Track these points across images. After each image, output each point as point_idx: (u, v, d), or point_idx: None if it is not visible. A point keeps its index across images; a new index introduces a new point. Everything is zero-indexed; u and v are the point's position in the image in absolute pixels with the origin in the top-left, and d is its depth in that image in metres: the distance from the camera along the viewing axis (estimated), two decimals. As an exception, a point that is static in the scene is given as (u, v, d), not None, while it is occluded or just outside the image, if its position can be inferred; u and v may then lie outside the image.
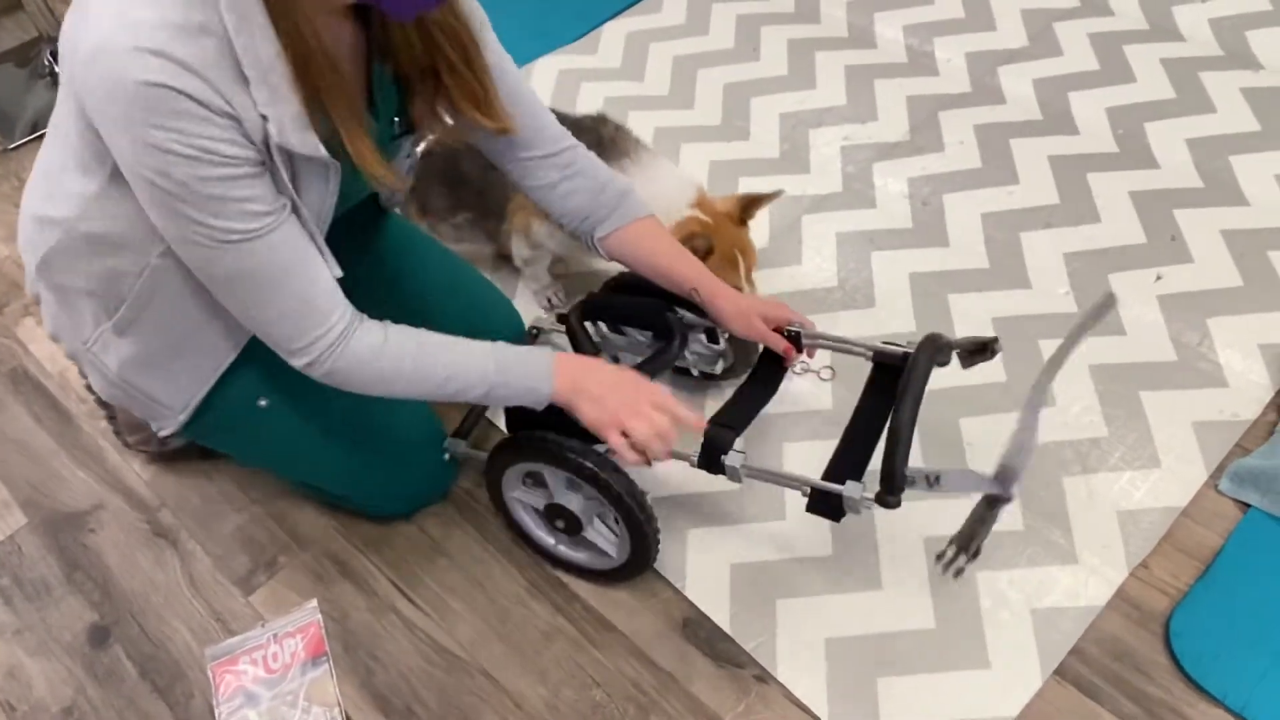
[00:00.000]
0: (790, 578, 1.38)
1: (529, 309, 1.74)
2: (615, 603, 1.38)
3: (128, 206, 1.02)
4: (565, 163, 1.30)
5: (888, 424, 1.16)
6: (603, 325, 1.57)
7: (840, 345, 1.37)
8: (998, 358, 1.51)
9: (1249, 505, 1.41)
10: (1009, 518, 1.42)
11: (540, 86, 2.27)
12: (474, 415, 1.51)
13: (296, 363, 1.08)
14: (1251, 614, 1.30)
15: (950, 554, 1.15)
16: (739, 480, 1.24)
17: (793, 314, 1.38)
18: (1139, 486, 1.44)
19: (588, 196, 1.32)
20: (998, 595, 1.34)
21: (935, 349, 1.20)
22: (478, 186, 1.66)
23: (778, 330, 1.37)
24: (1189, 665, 1.26)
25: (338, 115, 0.99)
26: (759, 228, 1.88)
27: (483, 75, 1.14)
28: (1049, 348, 1.63)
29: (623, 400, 1.15)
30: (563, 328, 1.59)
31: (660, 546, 1.32)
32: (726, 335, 1.50)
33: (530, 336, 1.64)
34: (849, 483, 1.16)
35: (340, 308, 1.07)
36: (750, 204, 1.59)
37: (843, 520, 1.21)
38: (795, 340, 1.38)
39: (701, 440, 1.22)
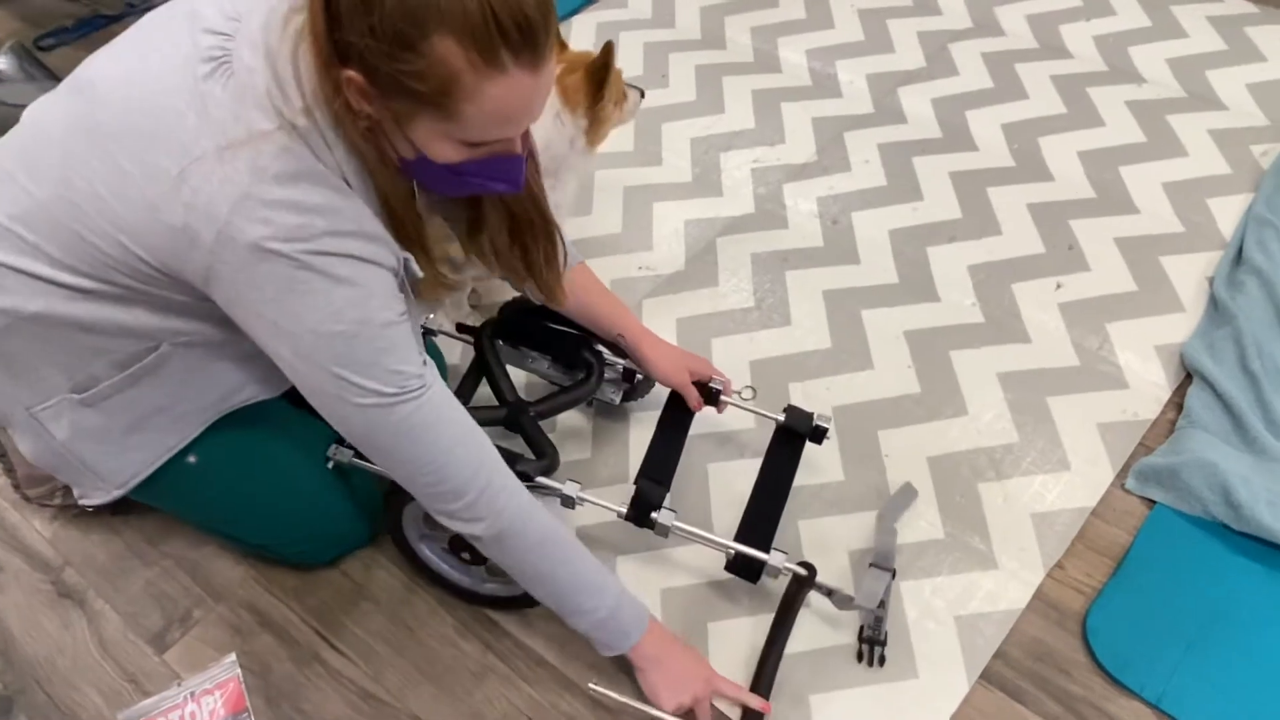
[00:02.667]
0: (720, 600, 1.38)
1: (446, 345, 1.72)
2: (547, 637, 1.36)
3: (153, 310, 1.04)
4: None
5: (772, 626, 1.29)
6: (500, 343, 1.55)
7: (751, 409, 1.46)
8: (911, 369, 1.56)
9: (1155, 502, 1.47)
10: (930, 528, 1.45)
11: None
12: None
13: (470, 524, 1.08)
14: (1163, 607, 1.35)
15: (867, 651, 1.29)
16: (666, 535, 1.26)
17: (714, 371, 1.45)
18: (1051, 489, 1.49)
19: None
20: (923, 605, 1.36)
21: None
22: None
23: (697, 383, 1.43)
24: (1106, 661, 1.30)
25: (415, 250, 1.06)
26: (670, 234, 1.90)
27: (554, 260, 1.25)
28: (960, 358, 1.68)
29: (690, 680, 1.21)
30: (453, 333, 1.56)
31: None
32: (640, 375, 1.53)
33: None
34: (774, 552, 1.25)
35: (489, 445, 1.11)
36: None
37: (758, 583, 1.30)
38: (712, 397, 1.45)
39: (632, 495, 1.29)
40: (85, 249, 0.98)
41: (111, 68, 0.99)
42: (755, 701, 1.22)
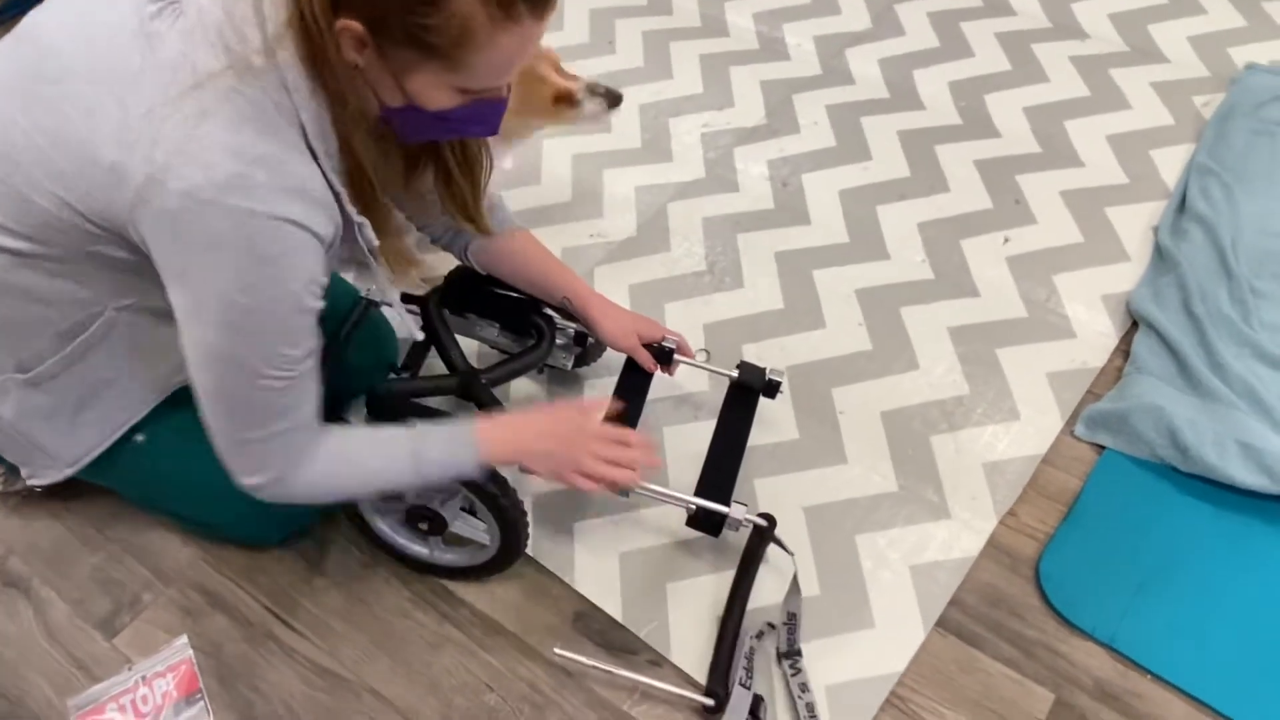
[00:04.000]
0: (678, 560, 1.38)
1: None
2: (504, 604, 1.35)
3: (93, 273, 1.00)
4: None
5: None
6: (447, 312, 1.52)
7: (705, 367, 1.46)
8: (863, 327, 1.56)
9: (1104, 447, 1.49)
10: (883, 481, 1.45)
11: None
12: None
13: (247, 481, 1.05)
14: (1113, 550, 1.37)
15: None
16: (627, 495, 1.26)
17: (666, 331, 1.42)
18: (1001, 439, 1.50)
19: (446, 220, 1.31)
20: (878, 556, 1.37)
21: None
22: None
23: (648, 346, 1.41)
24: (1059, 604, 1.31)
25: (377, 217, 1.02)
26: (621, 201, 1.89)
27: (479, 185, 1.19)
28: (910, 314, 1.69)
29: (569, 444, 1.16)
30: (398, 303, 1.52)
31: (540, 532, 1.32)
32: (592, 339, 1.51)
33: (361, 308, 1.50)
34: (734, 505, 1.24)
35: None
36: None
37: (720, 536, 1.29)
38: (665, 357, 1.43)
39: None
40: (24, 207, 0.94)
41: (57, 14, 0.95)
42: (634, 437, 1.22)
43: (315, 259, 0.93)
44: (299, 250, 0.91)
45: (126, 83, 0.87)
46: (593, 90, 1.52)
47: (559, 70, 1.51)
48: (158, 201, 0.87)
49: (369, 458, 1.09)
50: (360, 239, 1.01)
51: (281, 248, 0.89)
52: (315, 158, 0.93)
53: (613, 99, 1.54)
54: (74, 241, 0.96)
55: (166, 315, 1.08)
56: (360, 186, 0.98)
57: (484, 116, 1.00)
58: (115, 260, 0.99)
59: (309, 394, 1.01)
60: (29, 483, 1.21)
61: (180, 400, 1.22)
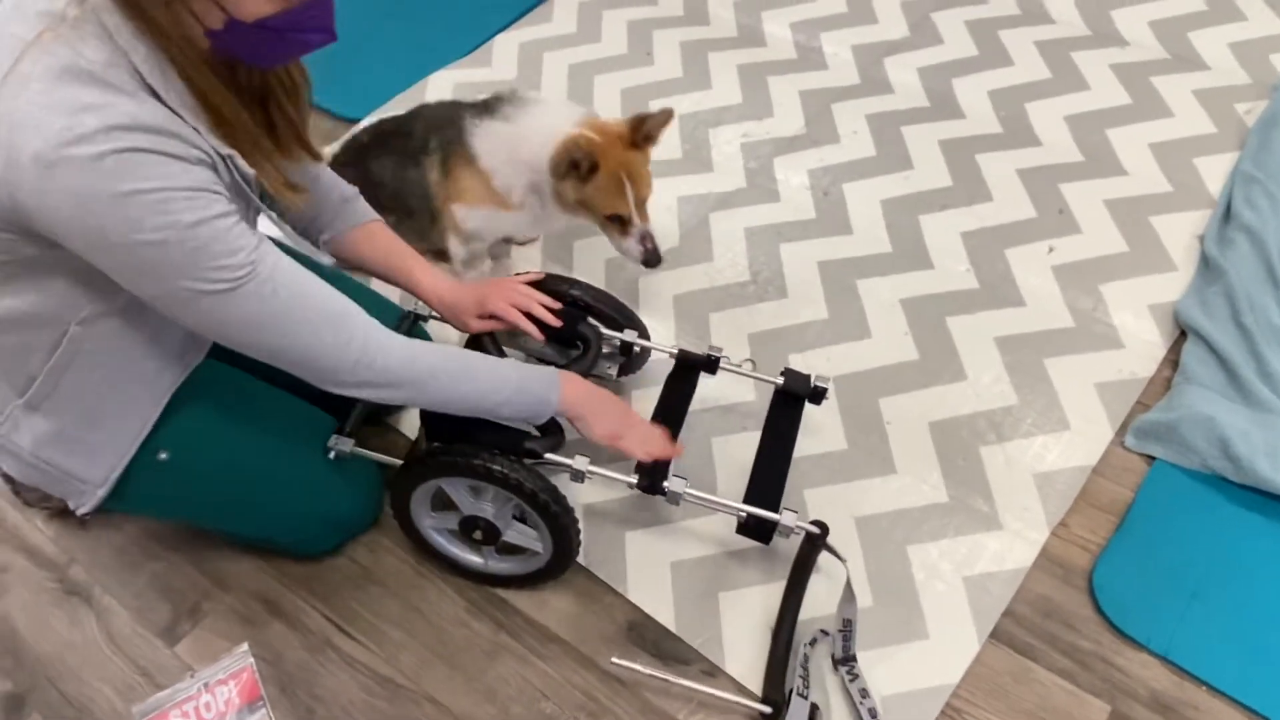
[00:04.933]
0: (730, 570, 1.39)
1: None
2: (558, 613, 1.37)
3: (33, 282, 1.01)
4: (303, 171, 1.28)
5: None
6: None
7: (749, 374, 1.48)
8: (909, 337, 1.56)
9: (1154, 458, 1.48)
10: (933, 492, 1.46)
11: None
12: (357, 415, 1.42)
13: (350, 380, 1.07)
14: (1166, 560, 1.37)
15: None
16: (677, 503, 1.27)
17: (512, 315, 1.39)
18: (1051, 449, 1.50)
19: (314, 201, 1.32)
20: (930, 567, 1.37)
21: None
22: (392, 188, 1.63)
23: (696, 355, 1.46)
24: (1113, 615, 1.31)
25: (245, 145, 1.02)
26: (663, 211, 1.90)
27: (306, 111, 1.16)
28: (956, 324, 1.69)
29: (617, 414, 1.28)
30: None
31: (592, 542, 1.34)
32: (637, 348, 1.52)
33: (406, 321, 1.54)
34: (784, 512, 1.24)
35: (354, 306, 1.08)
36: (640, 123, 1.47)
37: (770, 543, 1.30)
38: (711, 365, 1.47)
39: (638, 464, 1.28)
40: None
41: None
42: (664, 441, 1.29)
43: (183, 175, 0.92)
44: (160, 175, 0.90)
45: None
46: (644, 239, 1.51)
47: (641, 204, 1.50)
48: (24, 179, 0.88)
49: (478, 366, 1.17)
50: (235, 172, 1.01)
51: (140, 177, 0.89)
52: (157, 96, 0.93)
53: (651, 259, 1.52)
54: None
55: (126, 318, 1.10)
56: (218, 119, 0.99)
57: (315, 20, 0.97)
58: (43, 261, 1.00)
59: (314, 287, 1.05)
60: (78, 513, 1.22)
61: (202, 412, 1.24)
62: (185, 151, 0.93)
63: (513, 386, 1.18)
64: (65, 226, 0.91)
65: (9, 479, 1.48)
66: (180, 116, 0.94)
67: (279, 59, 1.03)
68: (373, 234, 1.39)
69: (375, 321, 1.10)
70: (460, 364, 1.17)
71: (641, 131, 1.47)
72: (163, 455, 1.22)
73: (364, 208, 1.39)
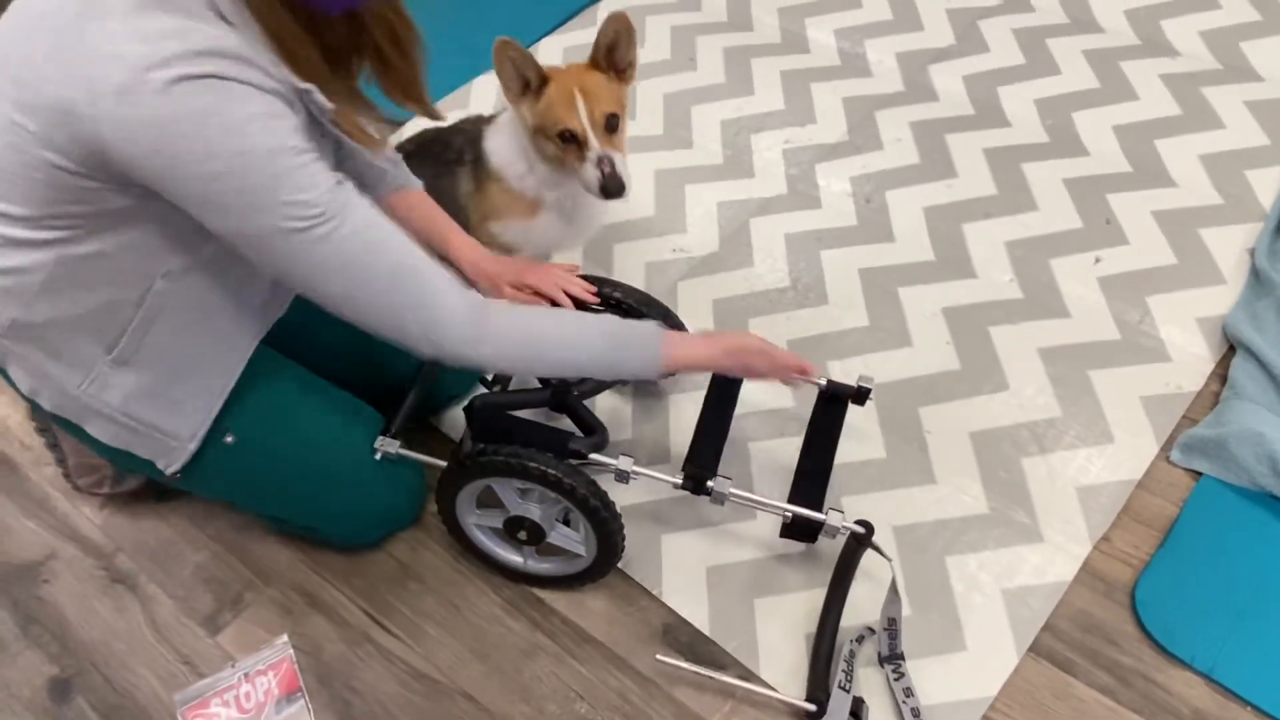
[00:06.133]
0: (767, 576, 1.39)
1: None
2: (594, 614, 1.37)
3: (119, 236, 1.03)
4: None
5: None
6: None
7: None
8: (950, 346, 1.55)
9: (1200, 473, 1.46)
10: (974, 503, 1.44)
11: (481, 106, 2.27)
12: (402, 416, 1.42)
13: (448, 340, 1.06)
14: (1211, 578, 1.34)
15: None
16: (722, 503, 1.26)
17: (556, 273, 1.42)
18: (1095, 462, 1.48)
19: (357, 165, 1.31)
20: (969, 579, 1.36)
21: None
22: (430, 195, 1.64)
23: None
24: (1156, 632, 1.29)
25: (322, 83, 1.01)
26: (704, 216, 1.90)
27: (417, 64, 1.13)
28: (999, 334, 1.67)
29: (753, 352, 1.23)
30: None
31: (626, 545, 1.33)
32: None
33: None
34: (830, 512, 1.23)
35: (442, 271, 1.07)
36: (608, 45, 1.40)
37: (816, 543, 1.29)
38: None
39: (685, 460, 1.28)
40: (33, 189, 0.98)
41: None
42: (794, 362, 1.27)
43: (260, 104, 0.93)
44: (239, 100, 0.91)
45: (60, 22, 0.91)
46: (601, 162, 1.39)
47: (597, 123, 1.39)
48: (105, 111, 0.89)
49: (561, 326, 1.15)
50: (313, 106, 1.01)
51: (216, 97, 0.90)
52: (232, 27, 0.94)
53: (611, 186, 1.39)
54: (86, 206, 0.99)
55: (211, 272, 1.12)
56: (293, 56, 0.99)
57: None
58: (131, 213, 1.02)
59: (393, 240, 1.04)
60: (167, 472, 1.25)
61: (268, 402, 1.27)
62: (263, 81, 0.93)
63: (604, 346, 1.15)
64: (144, 158, 0.92)
65: (61, 461, 1.51)
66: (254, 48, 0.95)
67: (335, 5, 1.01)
68: (414, 202, 1.40)
69: (453, 279, 1.08)
70: (541, 326, 1.14)
71: (610, 55, 1.41)
72: (229, 439, 1.26)
73: (407, 174, 1.41)
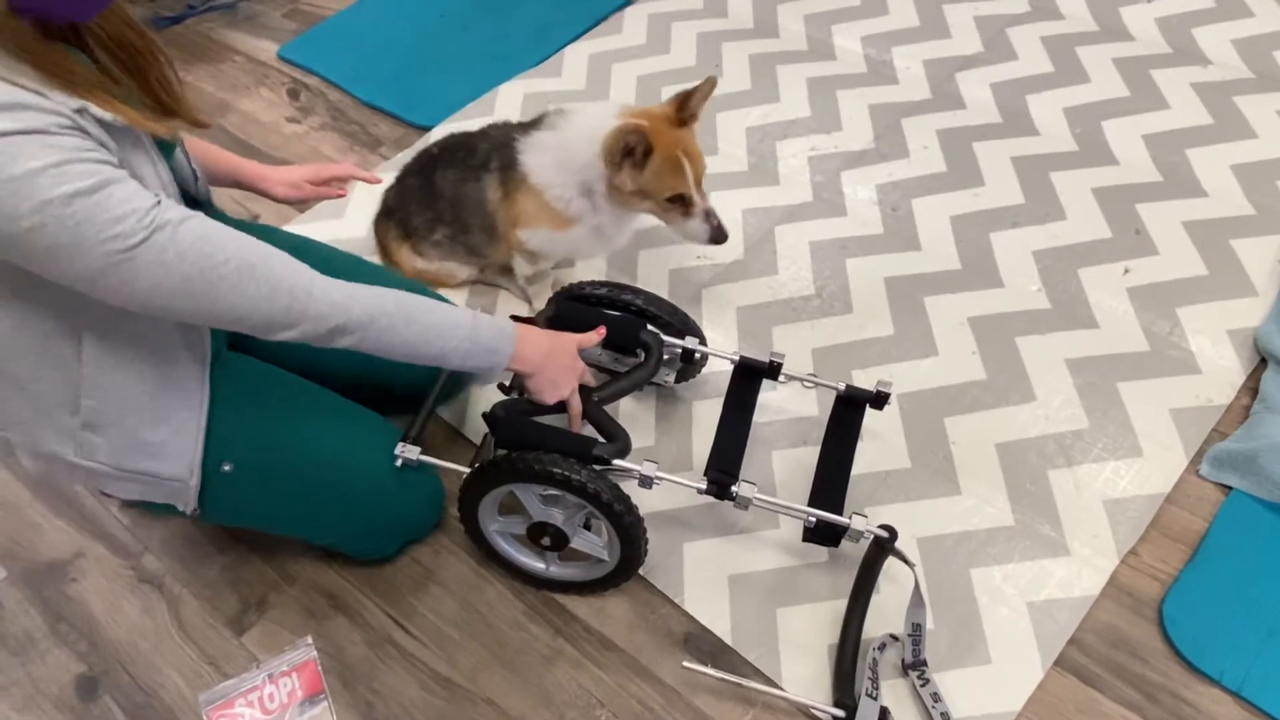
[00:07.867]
0: (789, 586, 1.38)
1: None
2: (615, 621, 1.37)
3: (22, 300, 1.03)
4: None
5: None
6: None
7: (811, 379, 1.43)
8: (976, 356, 1.53)
9: (1230, 488, 1.44)
10: (999, 514, 1.43)
11: (507, 111, 2.28)
12: (421, 421, 1.42)
13: (290, 329, 1.05)
14: (1241, 593, 1.32)
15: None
16: (746, 508, 1.26)
17: (339, 169, 1.53)
18: (1123, 475, 1.46)
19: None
20: (993, 591, 1.35)
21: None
22: (450, 200, 1.65)
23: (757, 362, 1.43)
24: (1184, 648, 1.27)
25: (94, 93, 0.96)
26: (728, 223, 1.90)
27: (148, 78, 1.10)
28: (1026, 344, 1.66)
29: (567, 381, 1.30)
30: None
31: (650, 551, 1.33)
32: (698, 355, 1.52)
33: None
34: (854, 516, 1.23)
35: (279, 254, 1.05)
36: (684, 100, 1.45)
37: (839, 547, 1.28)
38: (774, 370, 1.44)
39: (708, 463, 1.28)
40: None
41: None
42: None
43: (45, 150, 0.88)
44: (20, 156, 0.87)
45: None
46: (709, 217, 1.48)
47: (698, 181, 1.47)
48: None
49: (424, 310, 1.15)
50: (97, 122, 0.96)
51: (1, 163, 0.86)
52: None
53: (719, 236, 1.49)
54: None
55: (129, 317, 1.08)
56: (55, 73, 0.92)
57: None
58: (13, 279, 1.01)
59: (227, 243, 1.00)
60: (187, 512, 1.25)
61: (257, 416, 1.26)
62: (42, 121, 0.88)
63: (463, 334, 1.16)
64: None
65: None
66: (18, 85, 0.89)
67: (83, 13, 0.98)
68: (196, 143, 1.36)
69: (308, 268, 1.07)
70: (405, 308, 1.13)
71: (687, 109, 1.45)
72: (226, 467, 1.24)
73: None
